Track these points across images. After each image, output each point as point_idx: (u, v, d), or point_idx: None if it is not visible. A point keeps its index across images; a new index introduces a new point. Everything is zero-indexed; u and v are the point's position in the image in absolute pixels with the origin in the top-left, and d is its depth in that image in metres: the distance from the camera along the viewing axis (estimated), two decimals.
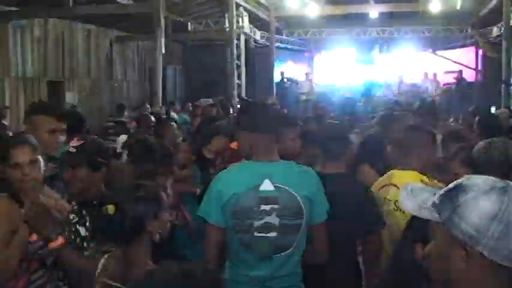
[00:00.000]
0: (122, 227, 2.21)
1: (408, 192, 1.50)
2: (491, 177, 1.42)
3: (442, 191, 1.45)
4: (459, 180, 1.44)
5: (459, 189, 1.41)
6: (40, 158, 2.73)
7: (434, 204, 1.43)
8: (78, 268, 2.54)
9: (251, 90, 18.51)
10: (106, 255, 2.36)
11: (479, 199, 1.36)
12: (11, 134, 6.22)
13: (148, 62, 17.71)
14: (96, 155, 2.77)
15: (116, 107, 12.74)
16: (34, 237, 2.58)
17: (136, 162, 3.79)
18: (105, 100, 16.03)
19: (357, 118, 7.71)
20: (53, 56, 13.97)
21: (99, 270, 2.29)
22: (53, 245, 2.54)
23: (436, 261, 1.47)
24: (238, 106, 11.34)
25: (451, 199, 1.40)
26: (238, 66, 16.79)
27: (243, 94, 16.67)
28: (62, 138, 3.25)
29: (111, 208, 2.21)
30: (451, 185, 1.45)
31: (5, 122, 10.35)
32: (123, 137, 8.48)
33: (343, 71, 22.96)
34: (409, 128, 3.78)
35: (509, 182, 1.40)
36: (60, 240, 2.55)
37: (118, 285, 2.17)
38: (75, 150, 2.78)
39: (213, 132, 5.14)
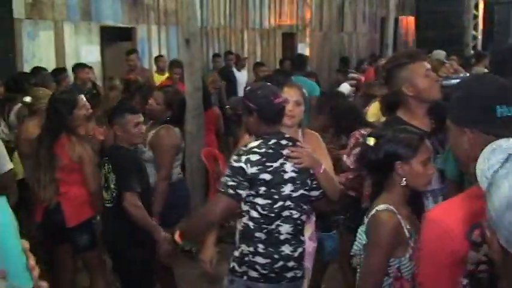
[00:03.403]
0: (373, 159, 2.39)
1: (488, 153, 1.24)
2: None
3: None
4: None
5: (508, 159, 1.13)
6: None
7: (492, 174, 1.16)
8: None
9: (488, 43, 17.26)
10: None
11: (507, 178, 1.08)
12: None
13: (380, 12, 17.44)
14: None
15: (340, 59, 12.84)
16: None
17: None
18: (335, 52, 16.21)
19: None
20: (288, 8, 14.45)
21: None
22: None
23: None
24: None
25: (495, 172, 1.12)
26: (475, 17, 15.75)
27: (479, 47, 15.65)
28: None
29: (371, 140, 2.41)
30: None
31: (244, 71, 11.08)
32: (345, 85, 8.64)
33: None
34: None
35: None
36: None
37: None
38: None
39: None
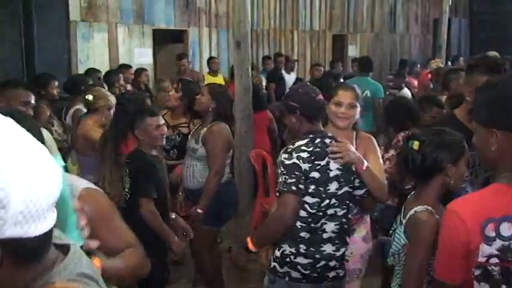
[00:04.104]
0: (421, 163, 2.37)
1: None
2: None
3: None
4: None
5: None
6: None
7: None
8: None
9: None
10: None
11: None
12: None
13: (433, 14, 17.13)
14: None
15: (399, 61, 12.71)
16: None
17: None
18: (386, 53, 15.99)
19: None
20: (338, 9, 14.36)
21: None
22: None
23: None
24: None
25: None
26: None
27: None
28: None
29: (416, 144, 2.38)
30: None
31: (293, 74, 11.03)
32: (406, 92, 8.45)
33: None
34: None
35: None
36: None
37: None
38: None
39: None
